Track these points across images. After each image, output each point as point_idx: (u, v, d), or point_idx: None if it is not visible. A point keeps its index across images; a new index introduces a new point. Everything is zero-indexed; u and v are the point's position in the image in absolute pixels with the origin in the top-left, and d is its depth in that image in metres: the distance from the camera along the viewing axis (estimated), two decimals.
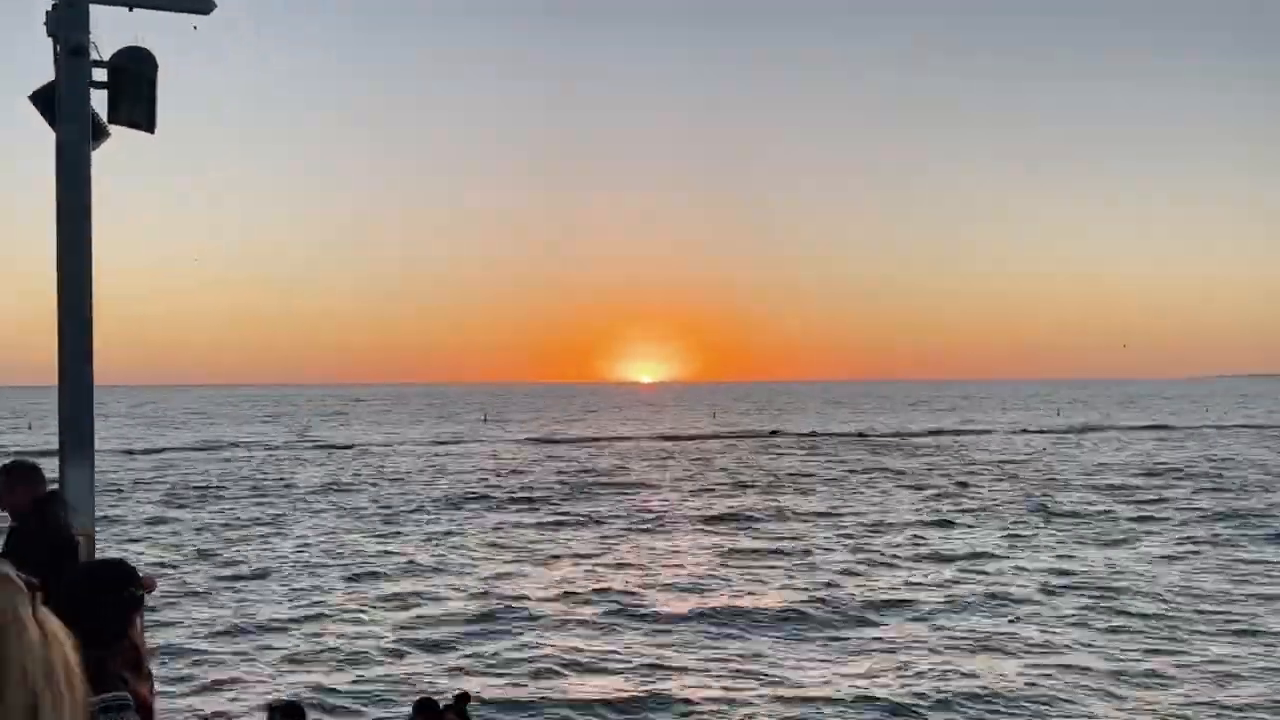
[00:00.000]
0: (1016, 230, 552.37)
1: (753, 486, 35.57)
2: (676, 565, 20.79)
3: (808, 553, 22.00)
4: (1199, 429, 70.35)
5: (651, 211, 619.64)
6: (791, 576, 19.44)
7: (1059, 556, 21.43)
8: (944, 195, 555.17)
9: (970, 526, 25.79)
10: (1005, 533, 24.79)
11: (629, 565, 20.93)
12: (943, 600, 17.26)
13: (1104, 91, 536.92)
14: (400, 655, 14.21)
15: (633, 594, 18.02)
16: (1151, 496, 31.81)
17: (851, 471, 41.34)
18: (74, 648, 2.46)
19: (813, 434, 68.53)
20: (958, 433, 69.50)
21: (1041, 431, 69.49)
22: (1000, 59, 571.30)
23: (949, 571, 19.77)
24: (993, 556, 21.48)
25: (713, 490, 34.75)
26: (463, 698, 8.86)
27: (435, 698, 8.50)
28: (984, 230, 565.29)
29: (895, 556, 21.40)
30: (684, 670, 13.50)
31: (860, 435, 66.87)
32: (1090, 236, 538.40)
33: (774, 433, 70.07)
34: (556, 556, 21.81)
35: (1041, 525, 25.94)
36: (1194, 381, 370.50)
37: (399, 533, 25.36)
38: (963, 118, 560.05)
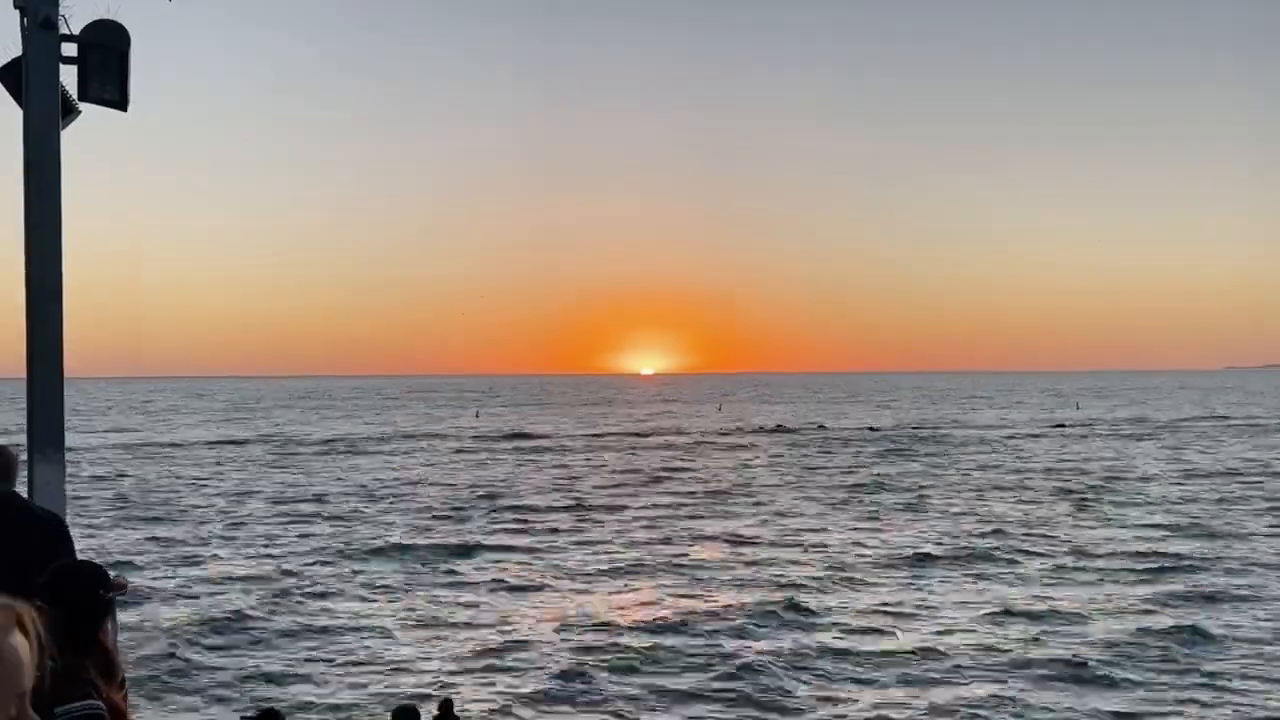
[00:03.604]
0: (1020, 225, 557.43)
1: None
2: None
3: None
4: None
5: (653, 205, 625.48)
6: None
7: None
8: (948, 189, 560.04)
9: None
10: None
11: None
12: None
13: (1107, 86, 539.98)
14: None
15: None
16: None
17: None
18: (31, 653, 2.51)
19: (820, 427, 68.70)
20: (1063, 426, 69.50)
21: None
22: (1002, 55, 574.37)
23: None
24: None
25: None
26: (446, 705, 8.93)
27: (418, 705, 8.57)
28: (985, 225, 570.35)
29: None
30: None
31: (873, 429, 66.99)
32: (1091, 233, 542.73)
33: (778, 428, 70.19)
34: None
35: None
36: (1202, 374, 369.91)
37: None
38: (966, 114, 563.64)
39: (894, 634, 15.73)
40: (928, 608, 17.39)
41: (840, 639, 15.48)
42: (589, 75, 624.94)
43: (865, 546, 23.31)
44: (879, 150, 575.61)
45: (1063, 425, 68.59)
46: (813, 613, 16.97)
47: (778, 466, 42.60)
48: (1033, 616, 16.71)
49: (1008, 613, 16.89)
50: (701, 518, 27.97)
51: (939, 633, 15.73)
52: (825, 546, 23.30)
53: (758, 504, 30.59)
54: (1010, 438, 58.74)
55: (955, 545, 23.16)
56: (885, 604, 17.68)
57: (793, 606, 17.20)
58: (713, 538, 24.64)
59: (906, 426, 70.20)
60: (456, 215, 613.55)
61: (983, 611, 17.08)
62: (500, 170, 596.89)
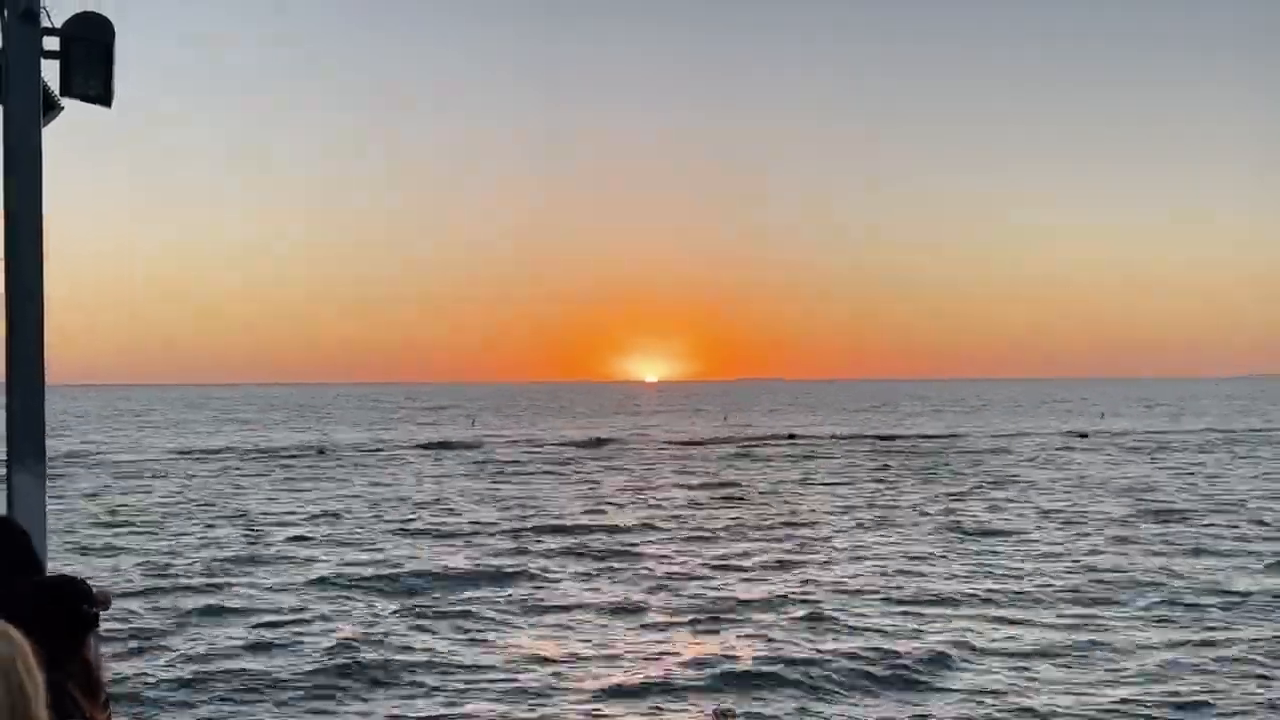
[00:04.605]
0: (1024, 226, 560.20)
1: None
2: None
3: None
4: None
5: (654, 208, 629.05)
6: None
7: None
8: (955, 190, 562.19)
9: None
10: None
11: None
12: None
13: (1109, 85, 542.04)
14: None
15: None
16: None
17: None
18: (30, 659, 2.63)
19: (833, 437, 68.59)
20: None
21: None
22: (1004, 55, 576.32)
23: None
24: None
25: None
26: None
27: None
28: (996, 225, 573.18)
29: None
30: None
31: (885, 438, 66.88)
32: (1095, 234, 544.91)
33: (791, 436, 70.13)
34: None
35: None
36: (1224, 381, 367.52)
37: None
38: (974, 111, 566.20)
39: None
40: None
41: None
42: (589, 75, 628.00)
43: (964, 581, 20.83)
44: (881, 150, 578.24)
45: (1085, 435, 68.25)
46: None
47: (808, 481, 41.54)
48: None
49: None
50: (751, 540, 26.26)
51: None
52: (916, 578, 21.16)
53: (804, 525, 28.70)
54: (1039, 449, 58.13)
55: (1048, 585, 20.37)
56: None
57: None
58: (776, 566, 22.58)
59: (918, 436, 70.07)
60: (452, 217, 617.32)
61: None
62: (498, 171, 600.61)
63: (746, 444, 64.01)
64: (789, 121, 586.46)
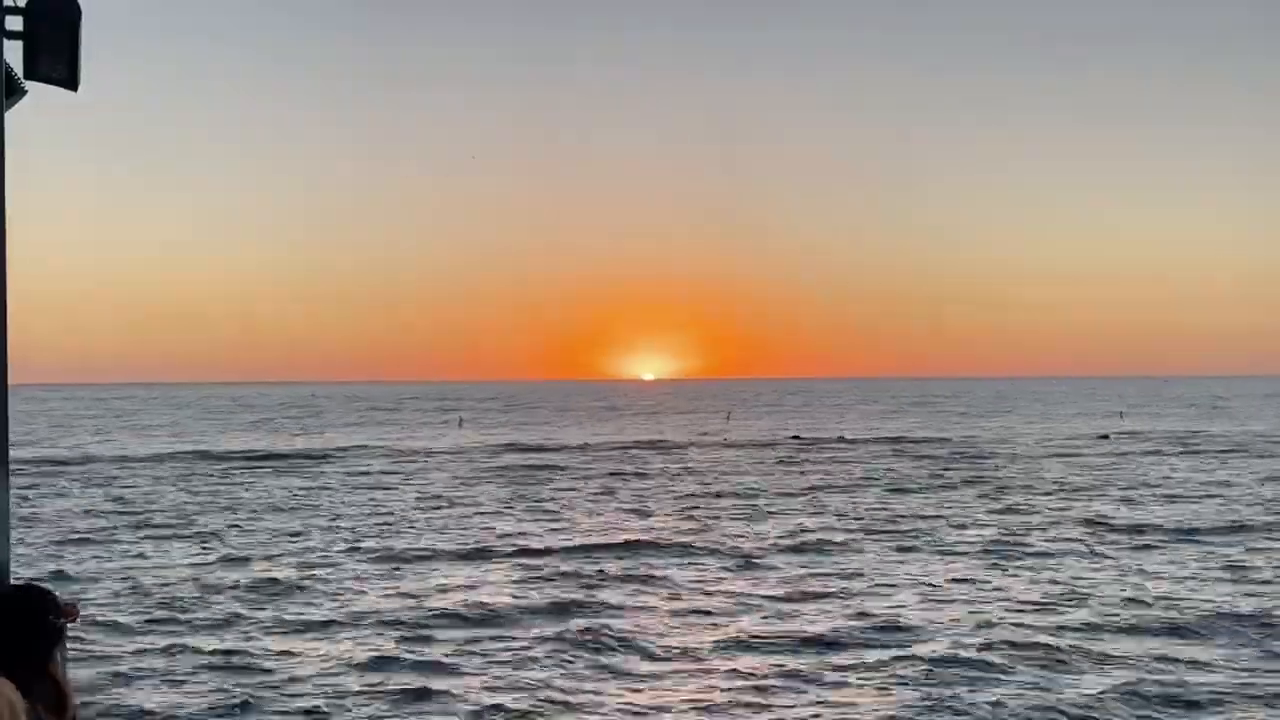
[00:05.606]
0: (1038, 224, 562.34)
1: None
2: None
3: None
4: None
5: (653, 203, 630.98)
6: None
7: None
8: (964, 187, 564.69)
9: None
10: None
11: None
12: None
13: (1126, 78, 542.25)
14: None
15: None
16: None
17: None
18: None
19: (841, 439, 68.48)
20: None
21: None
22: (1025, 51, 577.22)
23: None
24: None
25: None
26: None
27: None
28: (1005, 223, 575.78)
29: None
30: None
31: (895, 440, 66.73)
32: (1114, 230, 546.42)
33: (795, 437, 70.07)
34: None
35: None
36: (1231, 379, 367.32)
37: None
38: (979, 109, 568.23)
39: None
40: None
41: None
42: (588, 72, 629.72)
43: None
44: (888, 147, 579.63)
45: (1107, 436, 68.01)
46: None
47: (852, 488, 39.93)
48: None
49: None
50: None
51: None
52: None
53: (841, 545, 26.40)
54: (1066, 451, 57.32)
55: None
56: None
57: None
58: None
59: (926, 440, 69.99)
60: (448, 214, 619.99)
61: None
62: (495, 168, 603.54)
63: (760, 446, 63.78)
64: (789, 120, 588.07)
